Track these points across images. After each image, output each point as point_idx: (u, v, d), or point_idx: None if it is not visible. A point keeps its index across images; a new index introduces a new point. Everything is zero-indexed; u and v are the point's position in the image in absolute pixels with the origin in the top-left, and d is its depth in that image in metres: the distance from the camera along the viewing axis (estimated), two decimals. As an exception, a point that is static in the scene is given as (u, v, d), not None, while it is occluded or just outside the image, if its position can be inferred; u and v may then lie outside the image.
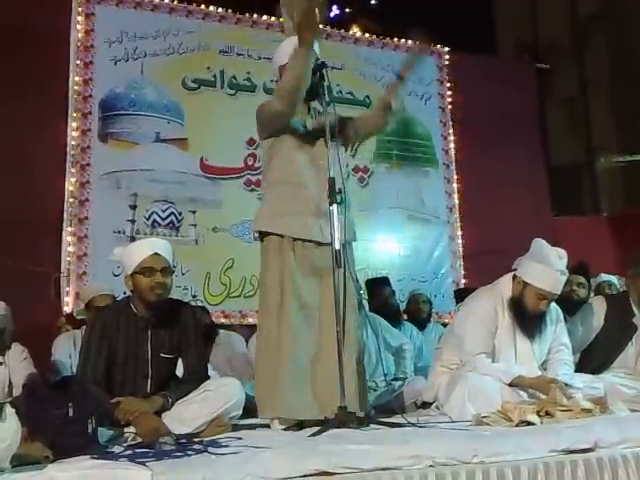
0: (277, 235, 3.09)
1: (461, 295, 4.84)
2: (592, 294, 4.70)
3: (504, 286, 3.38)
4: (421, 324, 5.36)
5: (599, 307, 3.73)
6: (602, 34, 8.35)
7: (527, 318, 3.28)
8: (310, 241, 3.07)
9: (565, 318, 3.98)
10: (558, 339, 3.41)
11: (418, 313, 5.46)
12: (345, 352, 2.88)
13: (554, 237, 6.97)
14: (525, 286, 3.26)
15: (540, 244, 3.31)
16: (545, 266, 3.21)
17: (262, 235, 3.15)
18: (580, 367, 3.58)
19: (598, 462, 2.13)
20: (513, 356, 3.30)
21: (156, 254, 2.99)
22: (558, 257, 3.25)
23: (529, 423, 2.61)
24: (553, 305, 3.41)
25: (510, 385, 3.14)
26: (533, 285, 3.23)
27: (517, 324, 3.30)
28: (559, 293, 3.29)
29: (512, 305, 3.30)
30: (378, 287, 5.22)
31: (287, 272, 3.04)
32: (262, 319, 3.11)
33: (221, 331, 5.00)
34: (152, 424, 2.69)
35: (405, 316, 5.46)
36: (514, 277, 3.36)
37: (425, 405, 3.56)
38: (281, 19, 5.71)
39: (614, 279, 4.91)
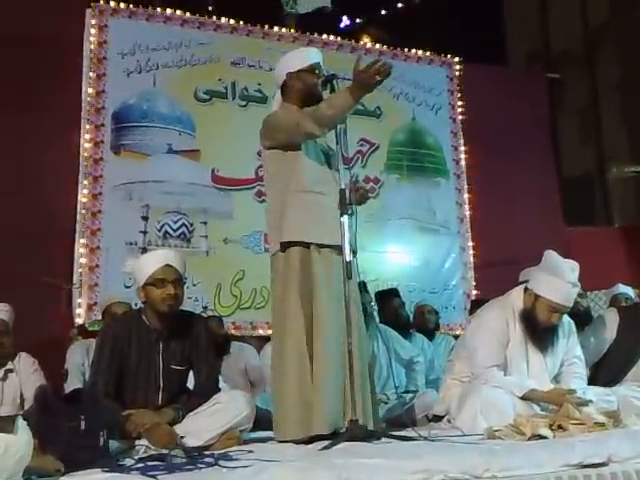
0: (302, 245, 3.08)
1: (477, 306, 4.83)
2: (607, 304, 4.70)
3: (515, 298, 3.36)
4: (429, 334, 5.34)
5: (612, 319, 3.70)
6: (613, 43, 8.34)
7: (539, 331, 3.26)
8: (335, 247, 3.05)
9: (577, 330, 3.98)
10: (571, 352, 3.39)
11: (425, 324, 5.43)
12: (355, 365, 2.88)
13: (566, 248, 6.94)
14: (537, 298, 3.24)
15: (552, 256, 3.30)
16: (557, 279, 3.19)
17: (284, 247, 3.10)
18: (593, 380, 3.55)
19: (612, 477, 2.10)
20: (525, 369, 3.28)
21: (168, 265, 3.00)
22: (570, 269, 3.23)
23: (541, 437, 2.59)
24: (565, 317, 3.39)
25: (523, 398, 3.12)
26: (545, 298, 3.21)
27: (529, 337, 3.28)
28: (571, 306, 3.27)
29: (524, 317, 3.28)
30: (387, 298, 5.20)
31: (313, 288, 3.03)
32: (285, 340, 3.04)
33: (234, 342, 5.01)
34: (165, 433, 2.70)
35: (414, 328, 5.44)
36: (525, 289, 3.34)
37: (436, 418, 3.54)
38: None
39: (631, 292, 4.88)
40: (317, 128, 3.01)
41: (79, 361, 4.21)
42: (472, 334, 3.41)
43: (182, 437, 2.77)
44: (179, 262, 3.06)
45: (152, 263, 3.03)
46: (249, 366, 4.85)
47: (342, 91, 2.97)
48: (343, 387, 2.94)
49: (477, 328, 3.39)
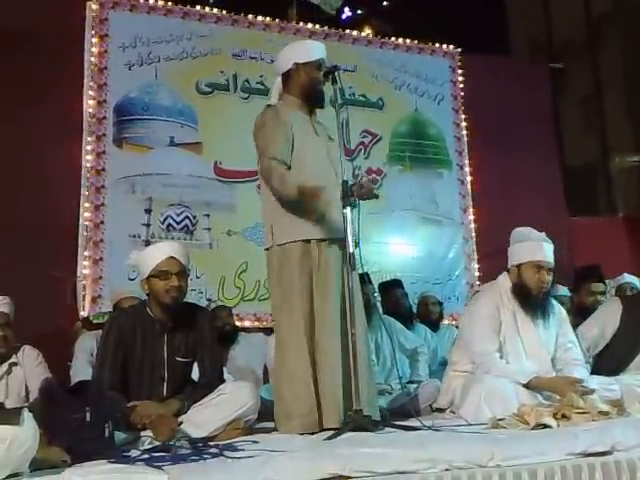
0: (302, 241, 3.07)
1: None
2: (612, 294, 4.69)
3: (501, 282, 3.44)
4: (433, 325, 5.35)
5: (615, 308, 3.71)
6: (616, 33, 8.30)
7: (532, 299, 3.32)
8: (335, 240, 3.07)
9: (581, 319, 4.00)
10: (565, 336, 3.43)
11: (429, 315, 5.44)
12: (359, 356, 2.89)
13: (569, 238, 6.96)
14: (519, 268, 3.34)
15: (516, 230, 3.45)
16: (527, 241, 3.34)
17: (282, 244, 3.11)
18: (596, 369, 3.56)
19: (616, 465, 2.11)
20: (521, 347, 3.30)
21: (171, 257, 3.01)
22: (535, 231, 3.39)
23: (546, 426, 2.59)
24: (556, 305, 3.48)
25: (527, 386, 3.12)
26: (525, 262, 3.32)
27: (522, 309, 3.33)
28: (552, 261, 3.35)
29: (516, 292, 3.34)
30: (390, 289, 5.23)
31: (313, 281, 3.05)
32: (287, 334, 3.04)
33: (241, 333, 5.03)
34: (168, 425, 2.70)
35: (417, 319, 5.44)
36: (508, 271, 3.43)
37: (440, 410, 3.55)
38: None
39: (636, 281, 4.87)
40: (285, 198, 3.04)
41: (88, 351, 4.21)
42: (466, 326, 3.48)
43: (180, 423, 2.77)
44: (182, 254, 3.07)
45: (155, 255, 3.03)
46: (254, 356, 4.86)
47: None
48: (347, 379, 2.94)
49: (469, 319, 3.44)
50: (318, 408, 2.94)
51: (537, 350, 3.30)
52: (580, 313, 4.34)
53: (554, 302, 3.49)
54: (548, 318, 3.36)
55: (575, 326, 4.26)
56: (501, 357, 3.26)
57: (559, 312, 3.48)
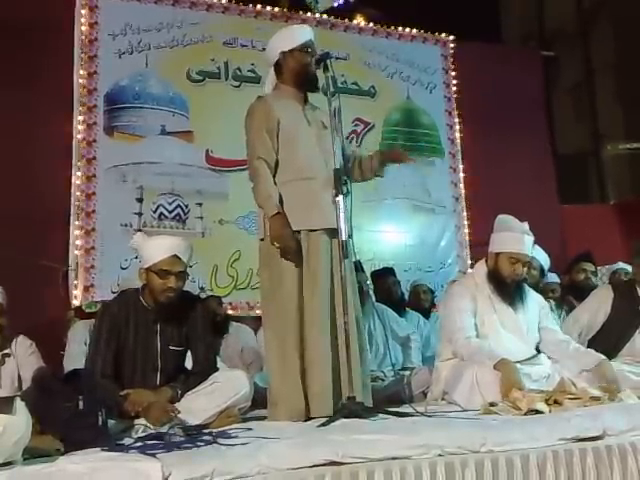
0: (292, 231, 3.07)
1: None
2: (606, 281, 4.73)
3: (477, 271, 3.51)
4: (425, 314, 5.37)
5: (606, 295, 3.73)
6: (608, 20, 8.29)
7: (506, 286, 3.37)
8: (326, 229, 3.08)
9: (575, 305, 4.03)
10: (548, 319, 3.48)
11: (420, 303, 5.48)
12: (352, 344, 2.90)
13: (561, 225, 6.98)
14: (497, 256, 3.38)
15: (500, 217, 3.47)
16: (508, 232, 3.38)
17: None
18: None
19: (607, 450, 2.13)
20: (499, 326, 3.33)
21: (174, 256, 2.97)
22: (518, 222, 3.42)
23: (538, 412, 2.61)
24: (538, 295, 3.56)
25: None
26: (503, 252, 3.36)
27: (497, 294, 3.37)
28: (530, 254, 3.41)
29: (491, 278, 3.39)
30: (382, 277, 5.26)
31: (304, 272, 3.05)
32: (280, 327, 3.05)
33: (232, 322, 5.04)
34: (161, 410, 2.70)
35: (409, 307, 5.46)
36: (486, 260, 3.48)
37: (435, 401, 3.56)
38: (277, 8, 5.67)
39: (629, 268, 4.92)
40: (254, 193, 3.16)
41: (82, 340, 4.20)
42: (444, 316, 3.50)
43: (178, 413, 2.76)
44: (186, 252, 3.03)
45: (160, 251, 2.97)
46: (245, 347, 4.87)
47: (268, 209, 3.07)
48: (337, 368, 2.95)
49: (444, 307, 3.49)
50: (305, 397, 2.95)
51: (515, 327, 3.35)
52: (572, 291, 4.51)
53: (532, 291, 3.55)
54: (523, 302, 3.40)
55: (567, 302, 4.33)
56: (477, 336, 3.29)
57: (538, 299, 3.54)
